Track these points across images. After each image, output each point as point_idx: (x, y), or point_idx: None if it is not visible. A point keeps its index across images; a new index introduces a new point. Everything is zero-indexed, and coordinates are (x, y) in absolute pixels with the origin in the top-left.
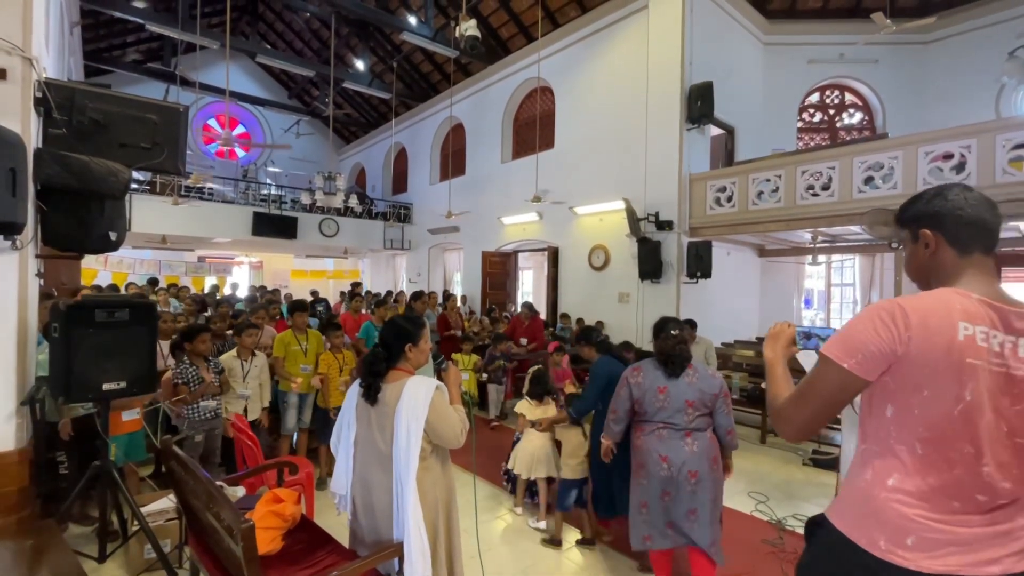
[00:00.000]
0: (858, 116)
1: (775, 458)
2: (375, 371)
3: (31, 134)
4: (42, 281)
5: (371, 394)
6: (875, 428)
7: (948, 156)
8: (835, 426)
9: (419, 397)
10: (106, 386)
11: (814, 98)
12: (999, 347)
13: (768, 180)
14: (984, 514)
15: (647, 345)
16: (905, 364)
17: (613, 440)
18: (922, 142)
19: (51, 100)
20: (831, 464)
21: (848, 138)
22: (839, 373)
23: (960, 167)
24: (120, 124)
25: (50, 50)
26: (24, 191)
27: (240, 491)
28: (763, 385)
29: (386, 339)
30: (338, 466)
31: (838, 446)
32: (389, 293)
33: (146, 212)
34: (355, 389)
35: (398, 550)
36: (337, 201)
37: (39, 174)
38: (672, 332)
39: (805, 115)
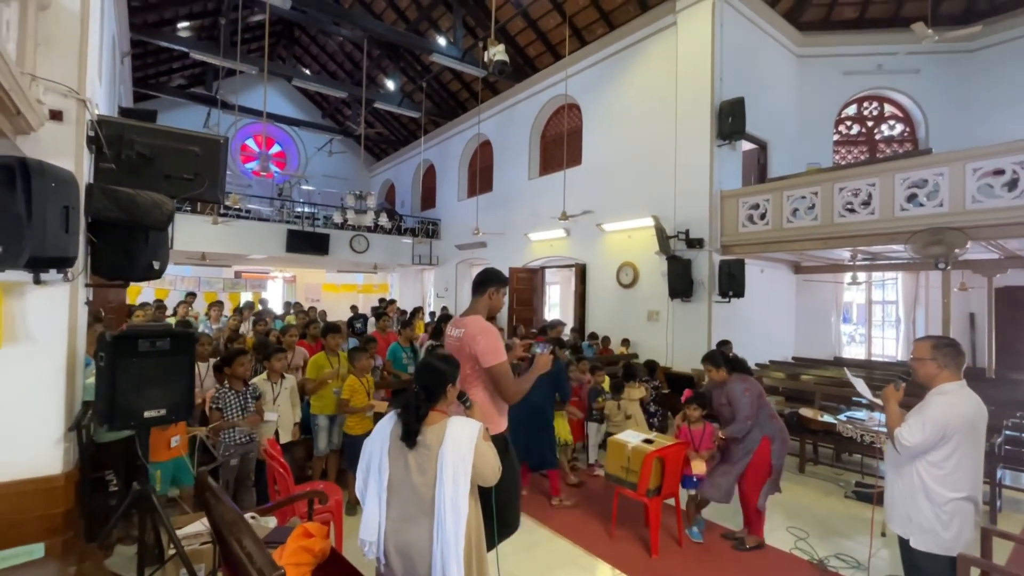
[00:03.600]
0: (898, 128)
1: (815, 489)
2: (419, 415)
3: (83, 171)
4: (91, 303)
5: (411, 437)
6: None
7: (999, 172)
8: (879, 456)
9: (464, 440)
10: (147, 413)
11: (851, 110)
12: (455, 333)
13: (803, 197)
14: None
15: (678, 364)
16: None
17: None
18: (970, 158)
19: (102, 137)
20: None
21: (888, 151)
22: (502, 363)
23: (1012, 184)
24: (165, 156)
25: (103, 81)
26: (76, 226)
27: (272, 522)
28: (801, 411)
29: (425, 380)
30: (368, 511)
31: (882, 477)
32: (418, 310)
33: (187, 230)
34: (383, 431)
35: None
36: (367, 219)
37: (90, 208)
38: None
39: (842, 128)
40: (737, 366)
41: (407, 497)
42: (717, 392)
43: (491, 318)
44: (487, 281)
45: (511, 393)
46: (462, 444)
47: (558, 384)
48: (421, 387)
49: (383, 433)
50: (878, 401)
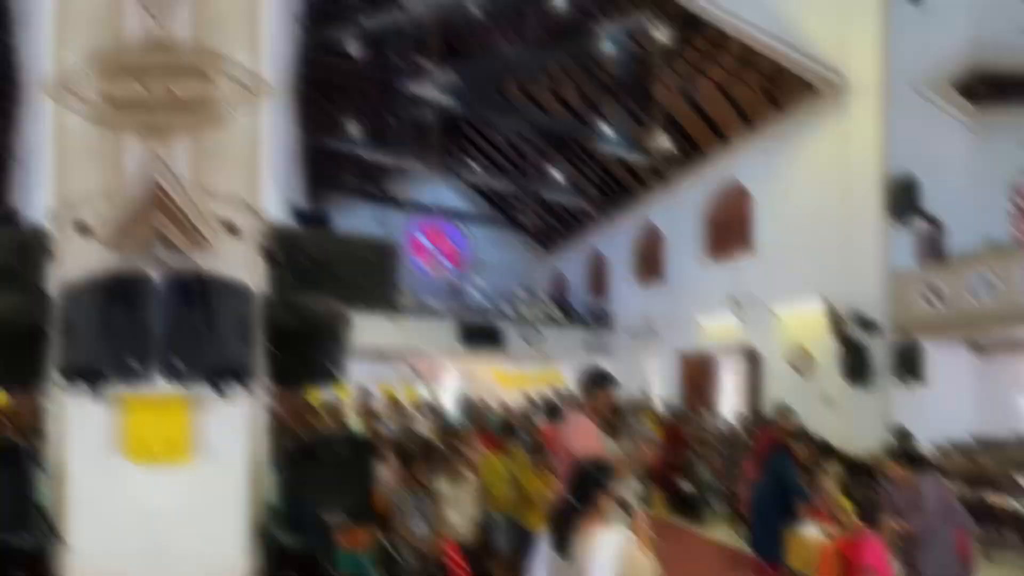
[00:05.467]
0: None
1: None
2: (567, 524)
3: (259, 281)
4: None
5: (562, 549)
6: None
7: None
8: None
9: (610, 551)
10: (328, 519)
11: None
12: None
13: (983, 276)
14: None
15: (854, 452)
16: None
17: None
18: None
19: (277, 248)
20: None
21: None
22: None
23: None
24: (338, 263)
25: (276, 186)
26: (254, 337)
27: None
28: (988, 498)
29: (576, 488)
30: None
31: None
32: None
33: (362, 327)
34: (544, 539)
35: None
36: (539, 313)
37: (266, 318)
38: None
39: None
40: (923, 463)
41: None
42: (898, 496)
43: (601, 414)
44: (592, 382)
45: None
46: (609, 555)
47: (785, 485)
48: (572, 495)
49: (544, 541)
50: None
